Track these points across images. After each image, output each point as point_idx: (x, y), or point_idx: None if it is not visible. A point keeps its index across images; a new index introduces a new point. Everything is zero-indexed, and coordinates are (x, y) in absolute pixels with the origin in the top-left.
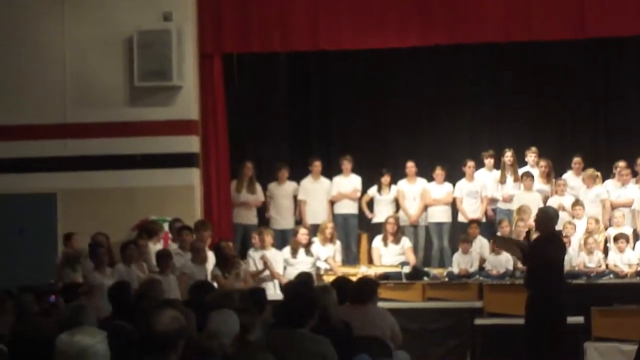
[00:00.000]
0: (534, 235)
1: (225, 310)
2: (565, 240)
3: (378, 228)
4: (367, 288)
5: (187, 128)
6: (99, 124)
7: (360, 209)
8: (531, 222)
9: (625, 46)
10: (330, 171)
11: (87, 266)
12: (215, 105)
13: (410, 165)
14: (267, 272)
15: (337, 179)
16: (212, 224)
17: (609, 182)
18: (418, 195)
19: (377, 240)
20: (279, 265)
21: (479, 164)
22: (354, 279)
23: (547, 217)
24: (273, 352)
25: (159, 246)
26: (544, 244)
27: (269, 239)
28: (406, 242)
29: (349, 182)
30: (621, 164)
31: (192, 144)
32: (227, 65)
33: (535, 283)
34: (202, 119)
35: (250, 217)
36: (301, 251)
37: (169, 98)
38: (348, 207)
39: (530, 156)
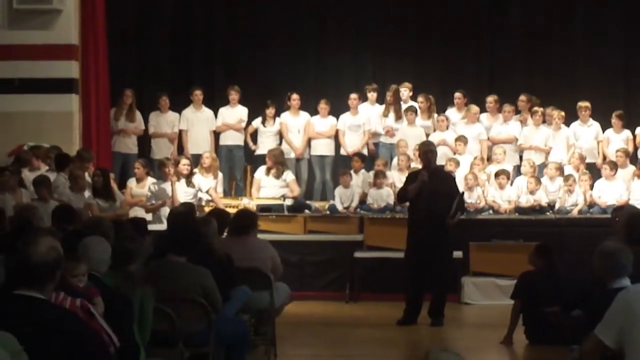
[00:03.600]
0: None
1: (96, 237)
2: None
3: (263, 160)
4: (247, 219)
5: (66, 53)
6: None
7: (245, 140)
8: (411, 155)
9: None
10: (215, 101)
11: None
12: (96, 30)
13: (295, 98)
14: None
15: (223, 110)
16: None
17: (482, 116)
18: (302, 128)
19: (260, 171)
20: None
21: (365, 98)
22: (235, 210)
23: (426, 150)
24: (152, 282)
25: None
26: (434, 178)
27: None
28: (289, 174)
29: (235, 112)
30: (507, 107)
31: (71, 69)
32: None
33: (429, 216)
34: (82, 44)
35: (129, 146)
36: (182, 182)
37: (48, 21)
38: (233, 139)
39: (402, 91)
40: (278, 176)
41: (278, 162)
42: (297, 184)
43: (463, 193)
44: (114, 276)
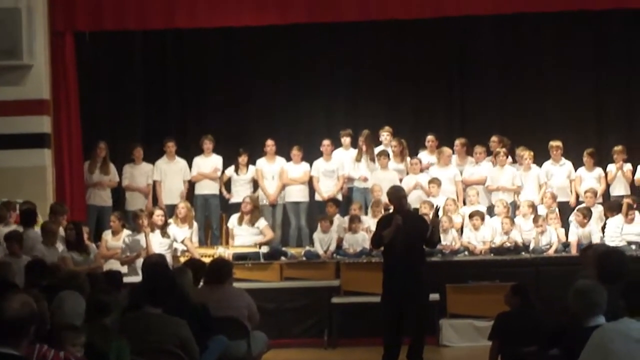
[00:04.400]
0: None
1: (71, 291)
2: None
3: (238, 208)
4: (222, 268)
5: (38, 108)
6: None
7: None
8: (385, 200)
9: (479, 25)
10: (188, 151)
11: None
12: (68, 84)
13: (270, 144)
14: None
15: (198, 159)
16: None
17: (452, 158)
18: (277, 174)
19: (233, 220)
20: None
21: (338, 144)
22: (211, 260)
23: (399, 195)
24: (128, 335)
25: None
26: (407, 221)
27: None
28: (261, 221)
29: (210, 162)
30: (478, 149)
31: (43, 124)
32: (80, 43)
33: (405, 260)
34: (53, 99)
35: (104, 198)
36: (157, 233)
37: (19, 77)
38: (209, 188)
39: (383, 135)
40: (253, 222)
41: (256, 206)
42: (270, 229)
43: (438, 207)
44: (89, 330)
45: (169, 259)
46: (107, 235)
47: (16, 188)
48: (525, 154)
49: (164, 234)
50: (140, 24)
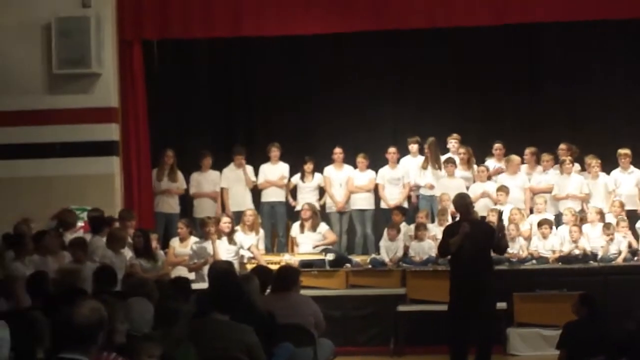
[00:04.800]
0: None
1: (139, 298)
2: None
3: None
4: (289, 276)
5: (106, 116)
6: (17, 112)
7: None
8: (452, 208)
9: (546, 32)
10: (254, 159)
11: (7, 256)
12: (136, 92)
13: (338, 152)
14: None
15: (265, 167)
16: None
17: (522, 167)
18: (344, 182)
19: (295, 227)
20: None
21: (405, 151)
22: (276, 267)
23: (466, 202)
24: (195, 341)
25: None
26: (474, 229)
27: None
28: (323, 226)
29: (276, 169)
30: (546, 157)
31: (112, 131)
32: (148, 51)
33: (472, 268)
34: (122, 107)
35: (172, 206)
36: (224, 240)
37: (88, 85)
38: (275, 195)
39: (451, 142)
40: (314, 228)
41: (315, 212)
42: (332, 232)
43: (503, 227)
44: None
45: (235, 266)
46: (174, 242)
47: (84, 195)
48: (593, 162)
49: (231, 241)
50: (207, 32)
